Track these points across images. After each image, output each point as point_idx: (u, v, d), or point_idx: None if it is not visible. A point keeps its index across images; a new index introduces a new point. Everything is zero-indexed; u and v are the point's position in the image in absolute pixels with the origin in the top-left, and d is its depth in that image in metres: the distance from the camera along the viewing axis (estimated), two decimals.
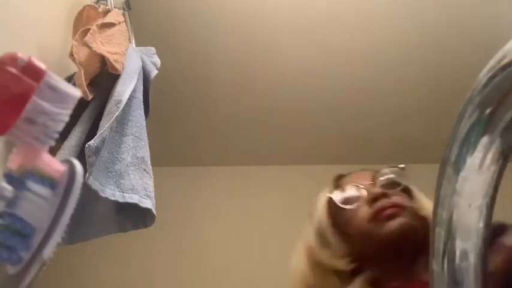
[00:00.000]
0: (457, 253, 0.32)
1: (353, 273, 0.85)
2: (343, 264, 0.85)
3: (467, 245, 0.31)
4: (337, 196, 0.90)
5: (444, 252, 0.32)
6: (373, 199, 0.85)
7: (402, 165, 0.94)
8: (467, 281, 0.31)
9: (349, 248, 0.86)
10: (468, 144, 0.32)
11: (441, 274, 0.32)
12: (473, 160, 0.32)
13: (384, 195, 0.85)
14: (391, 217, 0.82)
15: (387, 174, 0.91)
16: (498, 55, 0.30)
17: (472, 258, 0.31)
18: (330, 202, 0.91)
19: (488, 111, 0.31)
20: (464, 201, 0.32)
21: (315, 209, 0.94)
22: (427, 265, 0.84)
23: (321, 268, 0.87)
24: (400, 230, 0.81)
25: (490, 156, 0.32)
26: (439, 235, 0.33)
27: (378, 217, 0.83)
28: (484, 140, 0.31)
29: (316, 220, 0.91)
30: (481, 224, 0.31)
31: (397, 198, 0.85)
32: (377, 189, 0.86)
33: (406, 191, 0.90)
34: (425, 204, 0.89)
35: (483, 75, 0.31)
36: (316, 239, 0.89)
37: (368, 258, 0.84)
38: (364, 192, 0.88)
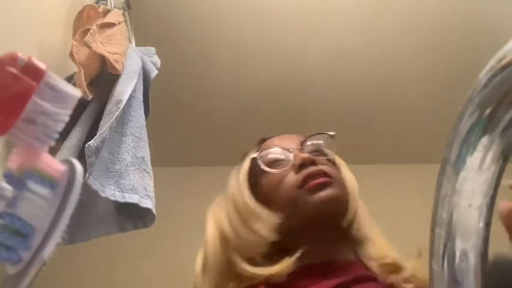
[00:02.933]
0: (457, 253, 0.32)
1: (277, 253, 0.78)
2: (267, 236, 0.77)
3: (467, 245, 0.31)
4: (261, 158, 0.85)
5: (444, 252, 0.32)
6: (301, 165, 0.80)
7: (332, 133, 0.90)
8: (467, 281, 0.31)
9: (274, 215, 0.80)
10: (468, 144, 0.32)
11: (441, 274, 0.32)
12: (473, 160, 0.32)
13: (312, 162, 0.80)
14: (321, 187, 0.78)
15: (316, 140, 0.87)
16: (498, 55, 0.31)
17: (472, 258, 0.31)
18: (253, 165, 0.85)
19: (488, 111, 0.31)
20: (464, 201, 0.32)
21: (233, 176, 0.87)
22: (345, 245, 0.80)
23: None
24: (329, 202, 0.77)
25: (490, 156, 0.32)
26: (439, 235, 0.32)
27: (306, 185, 0.78)
28: (484, 140, 0.31)
29: (235, 188, 0.84)
30: (481, 224, 0.31)
31: (325, 167, 0.81)
32: (305, 155, 0.81)
33: (332, 161, 0.87)
34: (347, 176, 0.85)
35: (483, 75, 0.31)
36: (234, 212, 0.82)
37: (292, 228, 0.78)
38: (291, 156, 0.83)
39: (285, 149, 0.85)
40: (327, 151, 0.87)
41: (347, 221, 0.81)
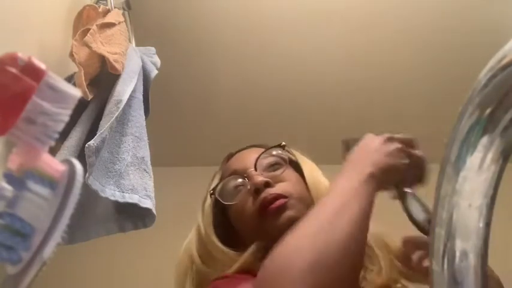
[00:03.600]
0: (457, 253, 0.32)
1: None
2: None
3: (467, 245, 0.31)
4: (219, 192, 0.87)
5: (444, 252, 0.32)
6: (256, 190, 0.81)
7: (283, 143, 0.91)
8: (467, 281, 0.31)
9: (242, 238, 0.83)
10: (468, 144, 0.32)
11: (441, 274, 0.32)
12: (473, 160, 0.32)
13: (266, 185, 0.81)
14: (278, 212, 0.79)
15: (268, 155, 0.87)
16: (498, 55, 0.30)
17: (472, 258, 0.31)
18: (214, 198, 0.87)
19: (488, 111, 0.31)
20: (464, 201, 0.32)
21: (201, 208, 0.90)
22: None
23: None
24: (288, 226, 0.75)
25: (490, 156, 0.31)
26: (439, 235, 0.32)
27: (263, 213, 0.79)
28: (484, 140, 0.31)
29: (200, 223, 0.87)
30: (481, 224, 0.31)
31: (281, 186, 0.82)
32: (258, 178, 0.82)
33: (295, 166, 0.88)
34: (309, 177, 0.86)
35: (483, 75, 0.31)
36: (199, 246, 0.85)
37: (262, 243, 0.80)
38: (246, 182, 0.84)
39: (239, 174, 0.86)
40: (286, 157, 0.88)
41: None
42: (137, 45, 1.28)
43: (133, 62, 1.12)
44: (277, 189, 0.82)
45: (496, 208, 0.32)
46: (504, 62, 0.30)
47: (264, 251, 0.78)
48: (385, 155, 0.70)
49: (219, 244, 0.82)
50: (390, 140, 0.72)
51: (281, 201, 0.80)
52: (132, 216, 1.06)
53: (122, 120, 1.04)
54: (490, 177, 0.32)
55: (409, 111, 1.89)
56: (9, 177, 0.42)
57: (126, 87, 1.03)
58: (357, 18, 1.63)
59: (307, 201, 0.82)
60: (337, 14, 1.62)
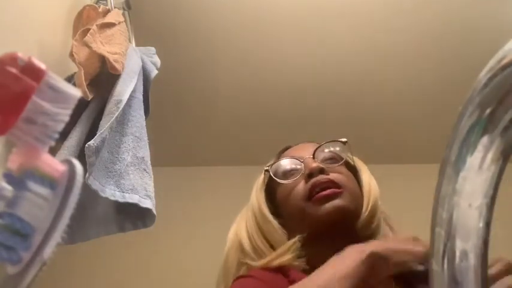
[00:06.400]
0: (457, 253, 0.32)
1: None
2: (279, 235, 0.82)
3: (467, 245, 0.31)
4: (274, 169, 0.88)
5: (444, 252, 0.32)
6: (310, 174, 0.81)
7: (344, 139, 0.91)
8: (467, 281, 0.31)
9: (284, 221, 0.84)
10: (468, 144, 0.32)
11: (441, 274, 0.32)
12: (473, 160, 0.32)
13: (321, 171, 0.81)
14: (327, 198, 0.79)
15: (328, 147, 0.88)
16: (498, 55, 0.31)
17: (472, 258, 0.31)
18: (267, 175, 0.88)
19: (488, 111, 0.31)
20: (464, 201, 0.32)
21: (254, 185, 0.91)
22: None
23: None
24: (336, 213, 0.78)
25: (490, 156, 0.32)
26: (439, 235, 0.32)
27: (313, 196, 0.79)
28: (484, 140, 0.31)
29: (253, 197, 0.89)
30: (481, 224, 0.31)
31: (335, 176, 0.82)
32: (314, 164, 0.82)
33: (349, 166, 0.88)
34: (365, 180, 0.86)
35: (483, 75, 0.31)
36: (253, 217, 0.87)
37: (301, 233, 0.81)
38: (302, 166, 0.84)
39: (296, 159, 0.86)
40: (344, 156, 0.88)
41: (360, 223, 0.81)
42: (137, 45, 1.28)
43: (133, 62, 1.12)
44: (332, 177, 0.81)
45: (496, 208, 0.32)
46: (504, 62, 0.30)
47: (302, 248, 0.79)
48: (400, 242, 0.67)
49: (271, 218, 0.83)
50: (415, 240, 0.68)
51: (334, 190, 0.79)
52: (132, 216, 1.06)
53: (122, 120, 1.04)
54: (490, 177, 0.32)
55: (409, 112, 1.89)
56: (9, 177, 0.42)
57: (126, 87, 1.03)
58: (358, 15, 1.63)
59: (359, 200, 0.82)
60: (340, 9, 1.62)
